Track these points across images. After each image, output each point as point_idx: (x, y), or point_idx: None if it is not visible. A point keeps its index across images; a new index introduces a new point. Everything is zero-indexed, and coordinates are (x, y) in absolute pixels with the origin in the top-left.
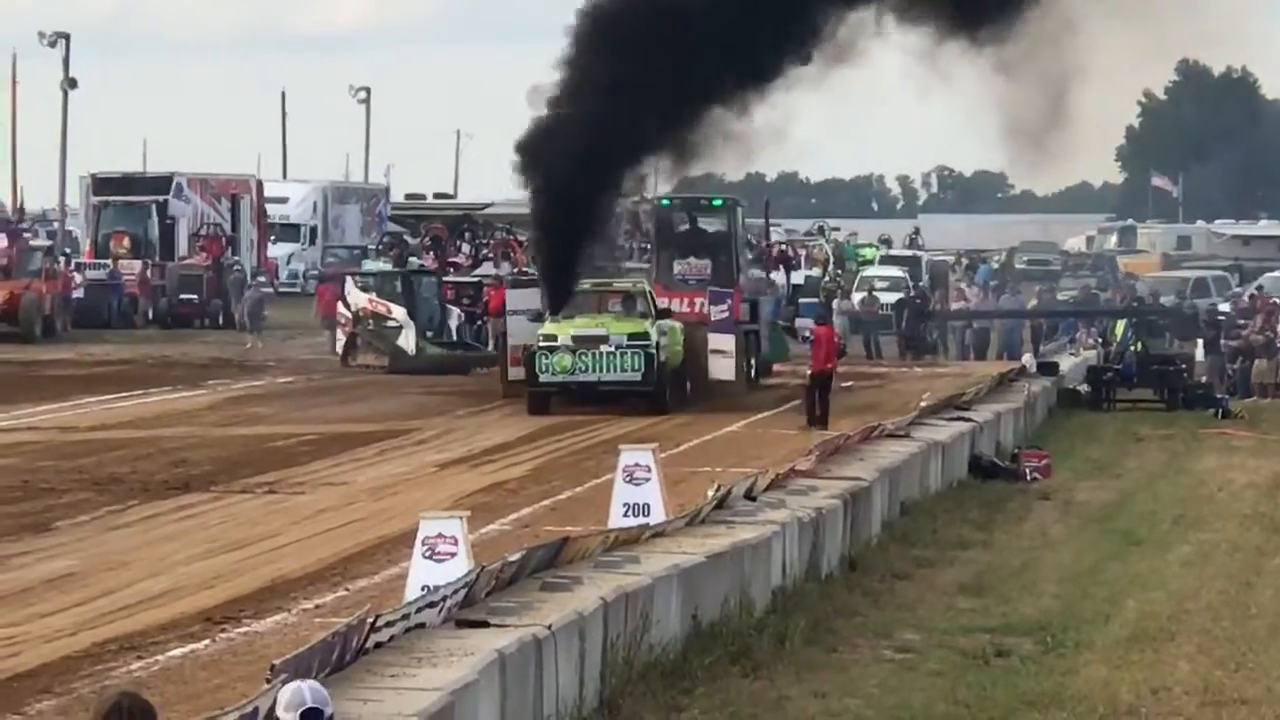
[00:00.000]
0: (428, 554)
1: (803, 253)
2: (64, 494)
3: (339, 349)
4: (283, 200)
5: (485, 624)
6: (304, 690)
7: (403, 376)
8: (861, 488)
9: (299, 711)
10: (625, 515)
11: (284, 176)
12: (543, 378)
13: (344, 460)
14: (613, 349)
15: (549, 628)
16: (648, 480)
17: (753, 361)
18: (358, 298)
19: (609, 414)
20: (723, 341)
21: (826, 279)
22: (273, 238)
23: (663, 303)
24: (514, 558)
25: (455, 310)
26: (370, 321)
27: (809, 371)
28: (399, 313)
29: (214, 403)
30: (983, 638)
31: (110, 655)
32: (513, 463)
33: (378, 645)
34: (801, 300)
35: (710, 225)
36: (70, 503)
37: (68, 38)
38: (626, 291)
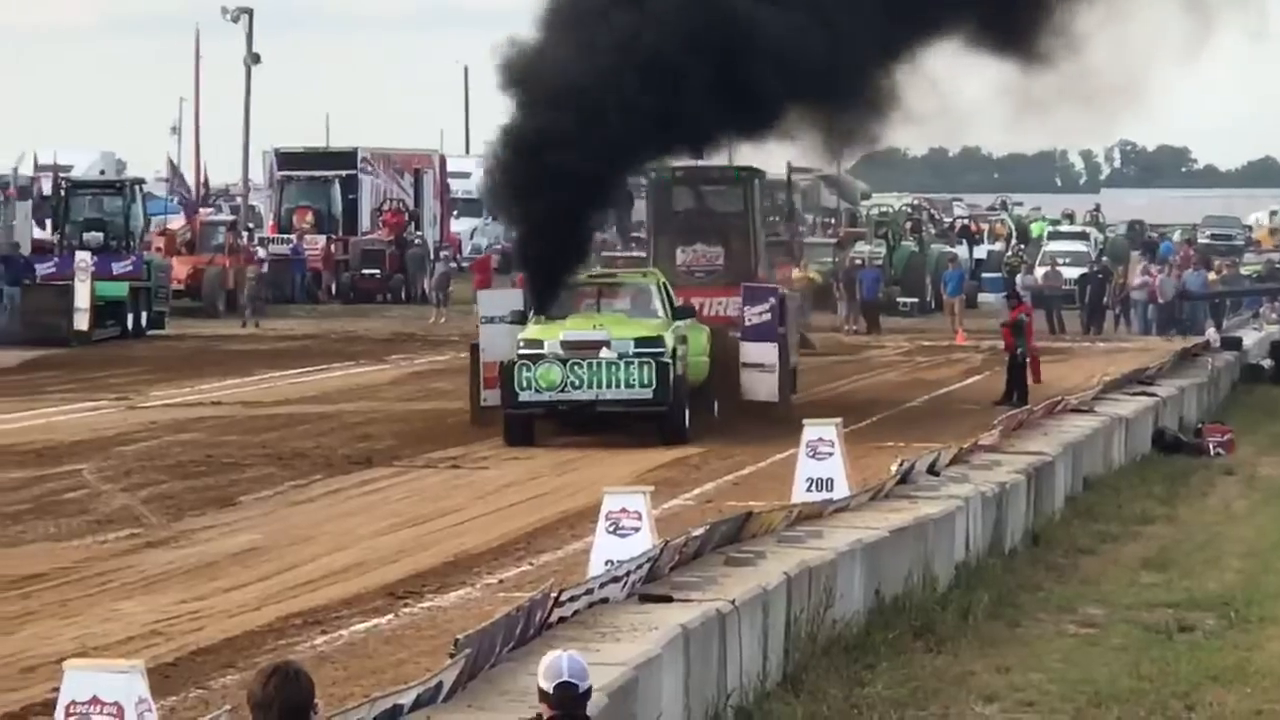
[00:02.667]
0: (611, 529)
1: (985, 228)
2: (248, 468)
3: None
4: (465, 175)
5: (669, 599)
6: (562, 661)
7: None
8: (1045, 462)
9: (554, 683)
10: (809, 490)
11: (467, 151)
12: (523, 395)
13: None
14: (615, 357)
15: (733, 602)
16: (831, 455)
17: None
18: None
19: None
20: (761, 352)
21: (1009, 254)
22: (455, 213)
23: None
24: (697, 533)
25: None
26: None
27: (1017, 350)
28: None
29: (397, 377)
30: (1166, 612)
31: (293, 629)
32: (696, 436)
33: (561, 620)
34: (984, 275)
35: (722, 203)
36: (254, 477)
37: (251, 13)
38: (635, 284)
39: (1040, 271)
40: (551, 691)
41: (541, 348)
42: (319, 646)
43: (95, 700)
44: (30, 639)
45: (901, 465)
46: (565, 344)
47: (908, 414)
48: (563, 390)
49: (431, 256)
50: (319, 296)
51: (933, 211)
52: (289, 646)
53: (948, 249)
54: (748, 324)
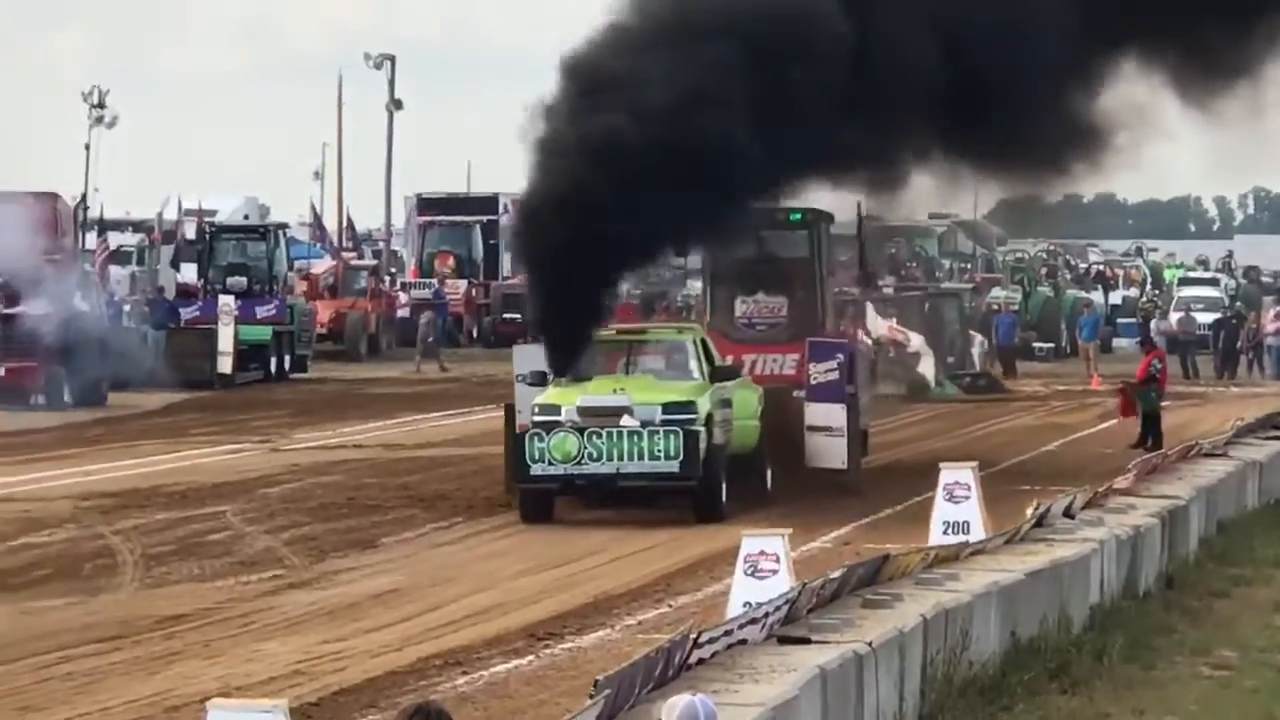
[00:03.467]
0: (749, 571)
1: (1120, 273)
2: (390, 510)
3: None
4: None
5: (807, 640)
6: (697, 704)
7: None
8: (1179, 506)
9: None
10: (945, 533)
11: None
12: (535, 468)
13: None
14: (638, 426)
15: (870, 644)
16: (967, 498)
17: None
18: (877, 324)
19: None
20: (828, 414)
21: (1144, 299)
22: None
23: (736, 358)
24: (835, 575)
25: (978, 337)
26: (890, 349)
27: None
28: (917, 340)
29: None
30: None
31: (435, 670)
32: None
33: (700, 661)
34: (1119, 320)
35: (785, 249)
36: (396, 519)
37: (393, 59)
38: (669, 341)
39: (1175, 317)
40: None
41: (558, 414)
42: (460, 687)
43: None
44: (175, 679)
45: (1037, 508)
46: (582, 410)
47: (1043, 458)
48: (579, 463)
49: None
50: (460, 341)
51: (1068, 257)
52: (430, 686)
53: (1083, 294)
54: (813, 383)
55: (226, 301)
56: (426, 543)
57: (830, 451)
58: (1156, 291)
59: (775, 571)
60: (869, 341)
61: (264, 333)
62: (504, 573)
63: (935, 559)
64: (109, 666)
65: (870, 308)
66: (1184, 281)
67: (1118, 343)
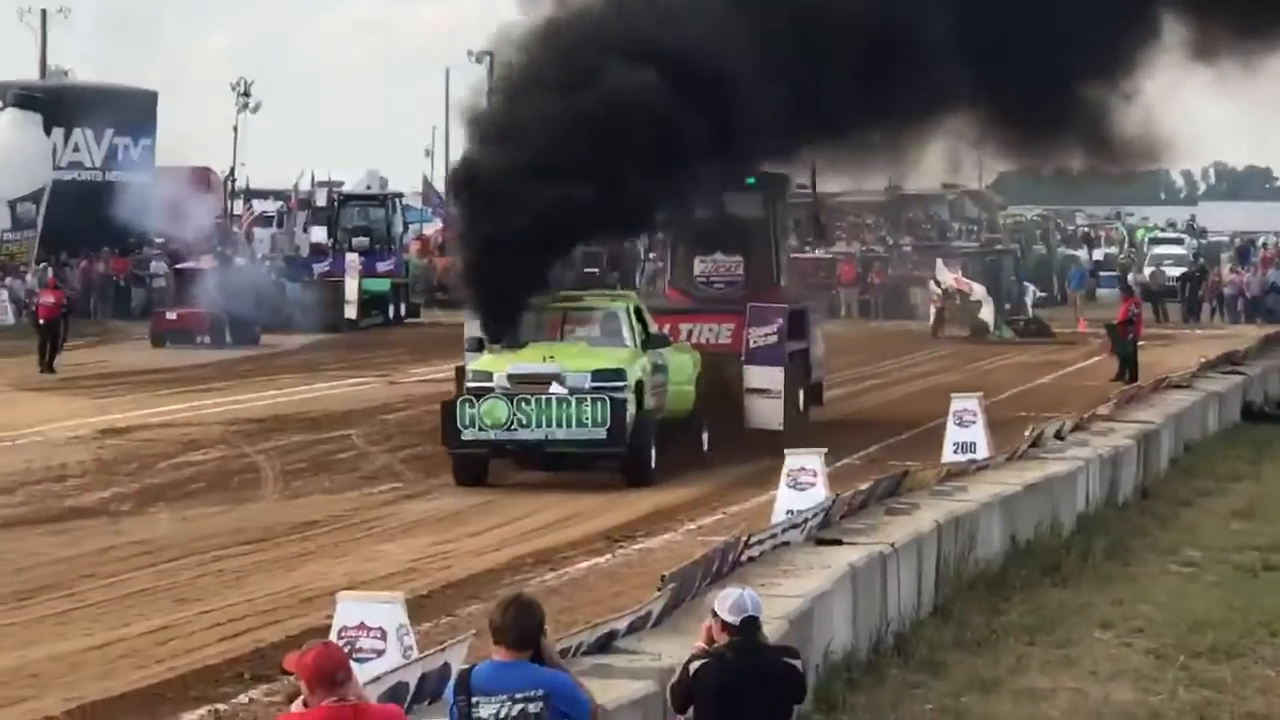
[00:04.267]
0: (792, 483)
1: (1102, 234)
2: None
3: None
4: None
5: (839, 542)
6: (745, 598)
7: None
8: (1152, 430)
9: (740, 617)
10: (955, 452)
11: None
12: (466, 434)
13: None
14: (565, 393)
15: (892, 545)
16: (974, 423)
17: (800, 394)
18: (945, 276)
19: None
20: (766, 377)
21: (1122, 256)
22: None
23: (674, 327)
24: (864, 487)
25: (1030, 287)
26: (956, 297)
27: (1128, 336)
28: (979, 290)
29: None
30: (1253, 554)
31: (527, 567)
32: (860, 405)
33: (750, 559)
34: (1101, 274)
35: (742, 210)
36: None
37: (491, 55)
38: (603, 309)
39: (1148, 271)
40: (738, 624)
41: (491, 381)
42: (548, 581)
43: (363, 626)
44: (308, 575)
45: (1033, 432)
46: (512, 377)
47: (1038, 389)
48: (509, 429)
49: None
50: None
51: (1058, 221)
52: (523, 581)
53: (1071, 252)
54: (752, 346)
55: (352, 259)
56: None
57: (767, 413)
58: (1132, 249)
59: (813, 484)
60: (938, 290)
61: (384, 284)
62: (582, 487)
63: (947, 474)
64: (253, 565)
65: (940, 262)
66: (1155, 241)
67: (1101, 292)
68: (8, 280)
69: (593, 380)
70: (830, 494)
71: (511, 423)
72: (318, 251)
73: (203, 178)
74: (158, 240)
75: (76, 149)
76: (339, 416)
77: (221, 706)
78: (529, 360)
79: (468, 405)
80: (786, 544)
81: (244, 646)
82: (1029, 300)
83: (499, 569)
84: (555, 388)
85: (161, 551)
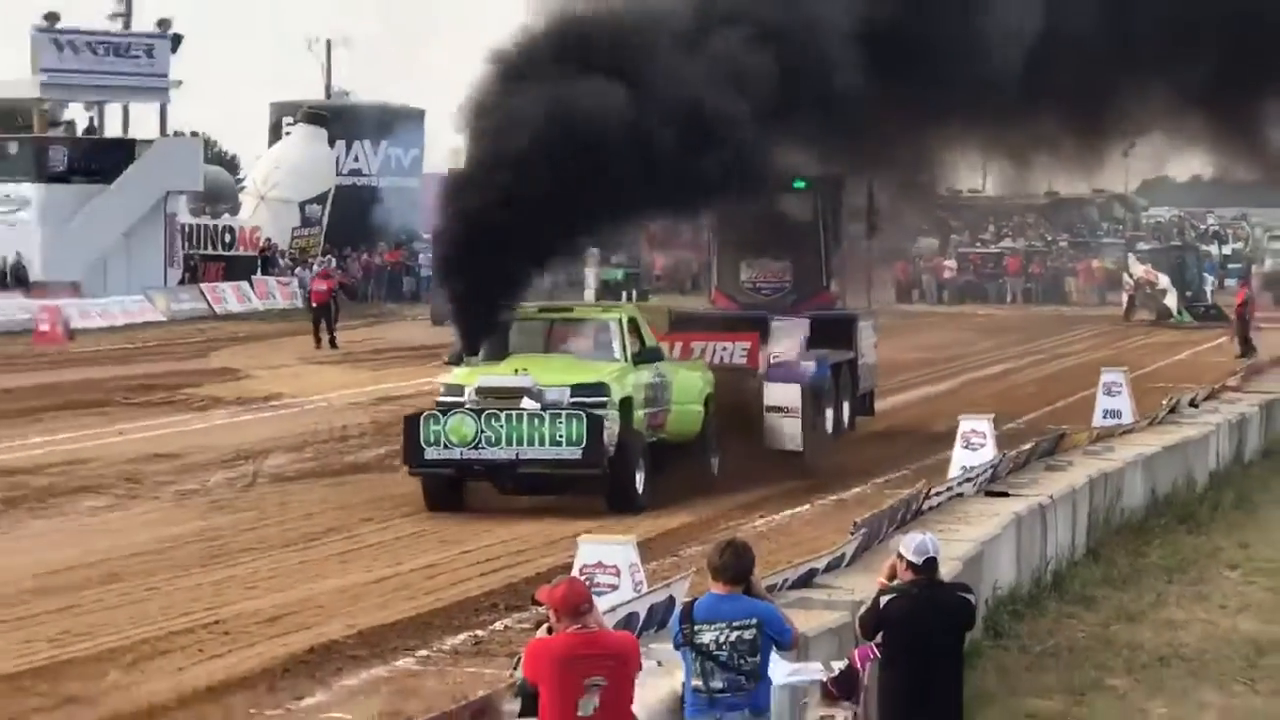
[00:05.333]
0: (965, 444)
1: (1229, 232)
2: None
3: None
4: None
5: (1006, 494)
6: (927, 542)
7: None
8: (1274, 399)
9: (923, 558)
10: (1104, 418)
11: None
12: (430, 452)
13: (920, 373)
14: (538, 408)
15: (1051, 497)
16: (1121, 393)
17: (845, 406)
18: (1136, 268)
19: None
20: (783, 394)
21: (1247, 250)
22: None
23: (685, 345)
24: (1026, 447)
25: (1210, 278)
26: (1146, 287)
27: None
28: (1164, 280)
29: None
30: None
31: (739, 514)
32: (1027, 378)
33: (930, 509)
34: (1230, 265)
35: (791, 213)
36: None
37: None
38: (593, 320)
39: (1269, 263)
40: (921, 564)
41: (462, 395)
42: (758, 526)
43: (600, 564)
44: (553, 521)
45: (1170, 401)
46: (481, 391)
47: (1175, 365)
48: (476, 447)
49: None
50: None
51: (1192, 221)
52: (737, 526)
53: (1204, 247)
54: (771, 362)
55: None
56: None
57: (785, 433)
58: (1255, 245)
59: (984, 445)
60: (1130, 280)
61: (615, 273)
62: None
63: (1097, 437)
64: (506, 512)
65: (1131, 256)
66: (1274, 238)
67: (1229, 283)
68: (298, 270)
69: (572, 395)
70: (998, 453)
71: (479, 440)
72: None
73: None
74: (425, 236)
75: (356, 159)
76: None
77: (480, 633)
78: (499, 373)
79: (432, 421)
80: (960, 496)
81: (499, 581)
82: (1208, 289)
83: (715, 515)
84: (526, 402)
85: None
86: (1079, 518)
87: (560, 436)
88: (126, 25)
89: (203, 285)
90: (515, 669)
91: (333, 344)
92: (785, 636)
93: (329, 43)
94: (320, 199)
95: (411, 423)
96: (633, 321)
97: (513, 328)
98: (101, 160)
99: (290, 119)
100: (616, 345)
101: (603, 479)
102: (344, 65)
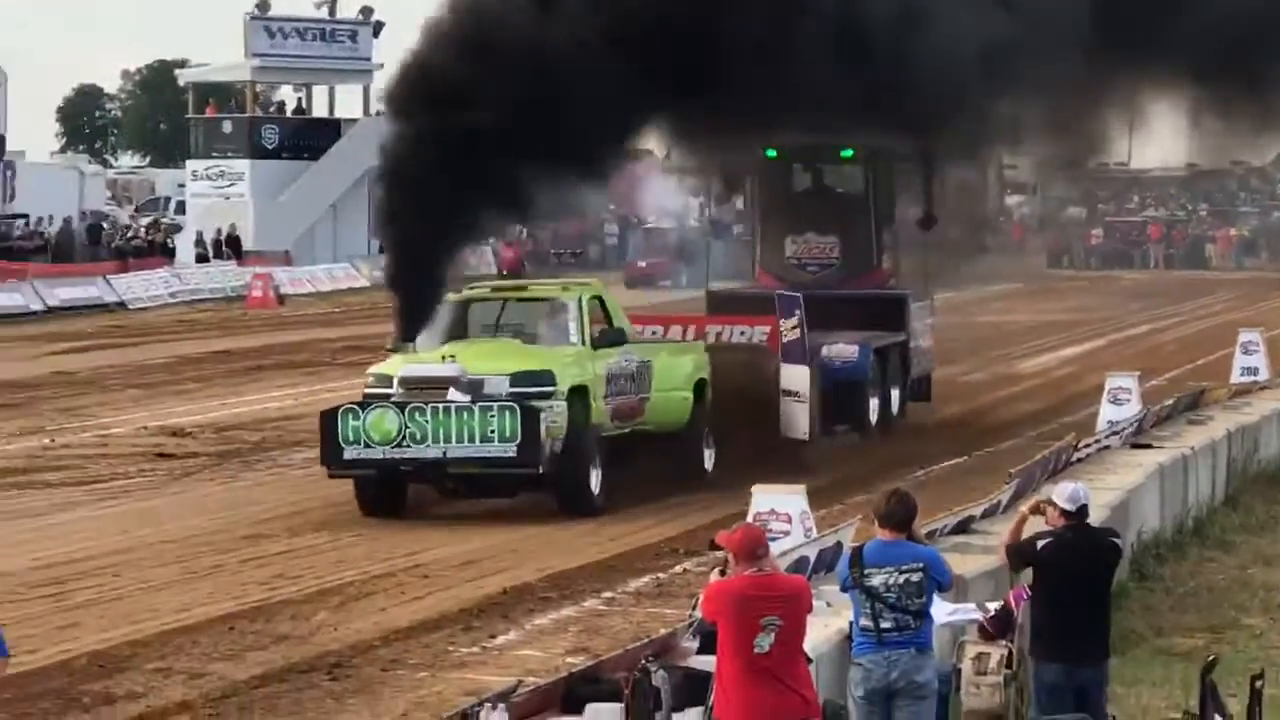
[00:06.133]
0: (1112, 399)
1: None
2: None
3: None
4: None
5: (1150, 446)
6: (1079, 491)
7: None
8: None
9: (1077, 505)
10: (1242, 375)
11: None
12: (349, 451)
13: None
14: (466, 401)
15: (1192, 448)
16: (1257, 351)
17: (894, 393)
18: None
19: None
20: (794, 377)
21: None
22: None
23: (699, 328)
24: (1169, 402)
25: None
26: None
27: None
28: None
29: None
30: None
31: (902, 467)
32: (1169, 338)
33: (1079, 460)
34: None
35: (839, 185)
36: None
37: None
38: (548, 300)
39: None
40: (1074, 511)
41: (391, 386)
42: (920, 478)
43: (773, 511)
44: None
45: None
46: (404, 382)
47: None
48: (400, 445)
49: None
50: None
51: None
52: (899, 477)
53: None
54: (784, 340)
55: None
56: None
57: (794, 419)
58: None
59: (1129, 400)
60: None
61: None
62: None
63: (1235, 392)
64: None
65: None
66: None
67: None
68: (490, 239)
69: (511, 385)
70: (1143, 408)
71: (403, 437)
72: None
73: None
74: (610, 207)
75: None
76: None
77: (661, 576)
78: (425, 361)
79: (351, 416)
80: (1108, 448)
81: (677, 528)
82: None
83: (879, 467)
84: (454, 394)
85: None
86: (1218, 468)
87: (492, 432)
88: (332, 13)
89: None
90: (694, 609)
91: None
92: (945, 579)
93: None
94: None
95: (328, 419)
96: (597, 301)
97: (465, 310)
98: (309, 138)
99: None
100: (574, 327)
101: (543, 479)
102: None
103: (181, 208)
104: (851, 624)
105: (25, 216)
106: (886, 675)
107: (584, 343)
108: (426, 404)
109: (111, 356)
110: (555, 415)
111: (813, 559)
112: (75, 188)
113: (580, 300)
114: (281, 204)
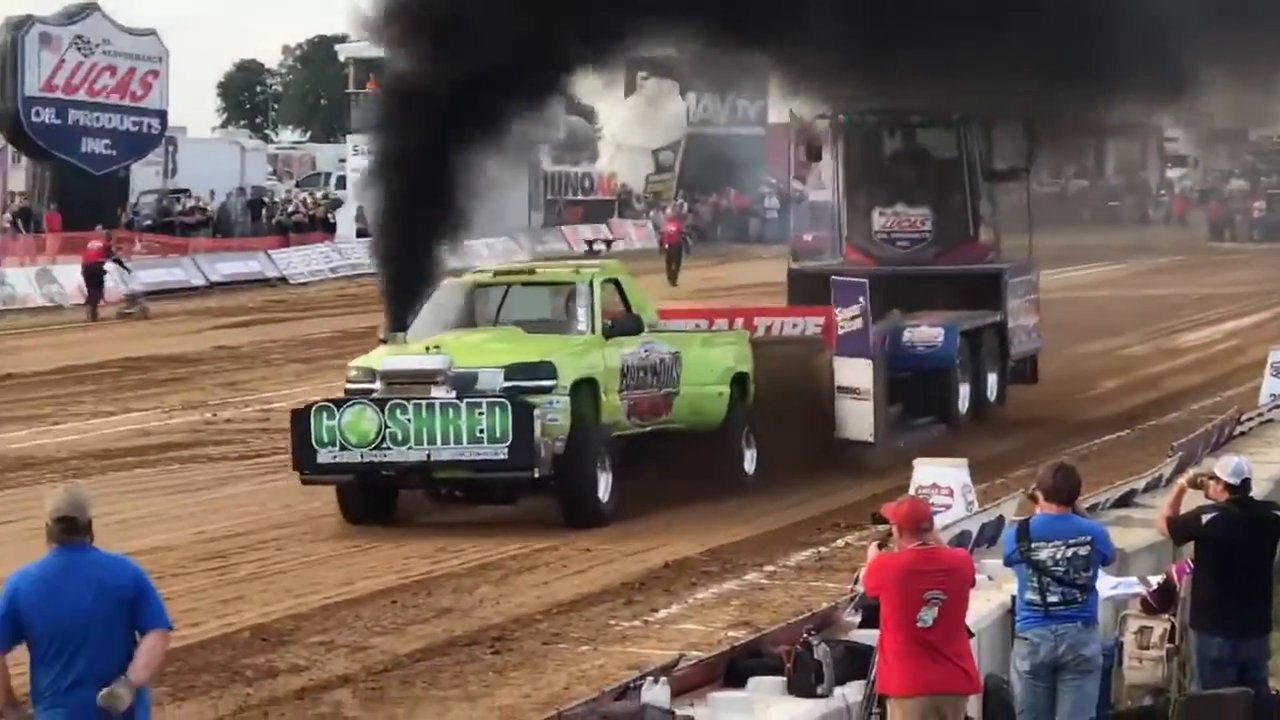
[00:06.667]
0: (1275, 373)
1: None
2: None
3: None
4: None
5: None
6: (1243, 464)
7: None
8: None
9: (1240, 479)
10: None
11: None
12: (324, 454)
13: (1216, 313)
14: (453, 397)
15: None
16: None
17: (991, 377)
18: None
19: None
20: (854, 372)
21: None
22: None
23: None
24: None
25: None
26: None
27: None
28: None
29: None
30: None
31: (1065, 439)
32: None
33: (1241, 434)
34: None
35: (931, 152)
36: None
37: None
38: (558, 284)
39: None
40: (1237, 484)
41: (374, 381)
42: (1081, 451)
43: (935, 485)
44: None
45: None
46: (384, 376)
47: None
48: (380, 446)
49: None
50: None
51: None
52: (1063, 450)
53: None
54: (840, 333)
55: None
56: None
57: (855, 419)
58: None
59: None
60: None
61: None
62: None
63: None
64: None
65: None
66: None
67: None
68: (651, 213)
69: (506, 379)
70: None
71: (383, 438)
72: None
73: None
74: (770, 180)
75: (705, 109)
76: None
77: (822, 549)
78: (408, 353)
79: (325, 415)
80: (1270, 421)
81: (839, 502)
82: None
83: (1040, 441)
84: (437, 390)
85: None
86: None
87: (481, 432)
88: None
89: (563, 228)
90: (856, 583)
91: (674, 281)
92: (1110, 553)
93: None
94: (672, 147)
95: (300, 418)
96: (613, 285)
97: (464, 296)
98: None
99: (644, 73)
100: (584, 314)
101: (535, 484)
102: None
103: (342, 182)
104: (1015, 598)
105: (187, 191)
106: (1054, 649)
107: (594, 330)
108: (409, 401)
109: (273, 331)
110: (556, 412)
111: (975, 533)
112: (236, 163)
113: (592, 284)
114: None
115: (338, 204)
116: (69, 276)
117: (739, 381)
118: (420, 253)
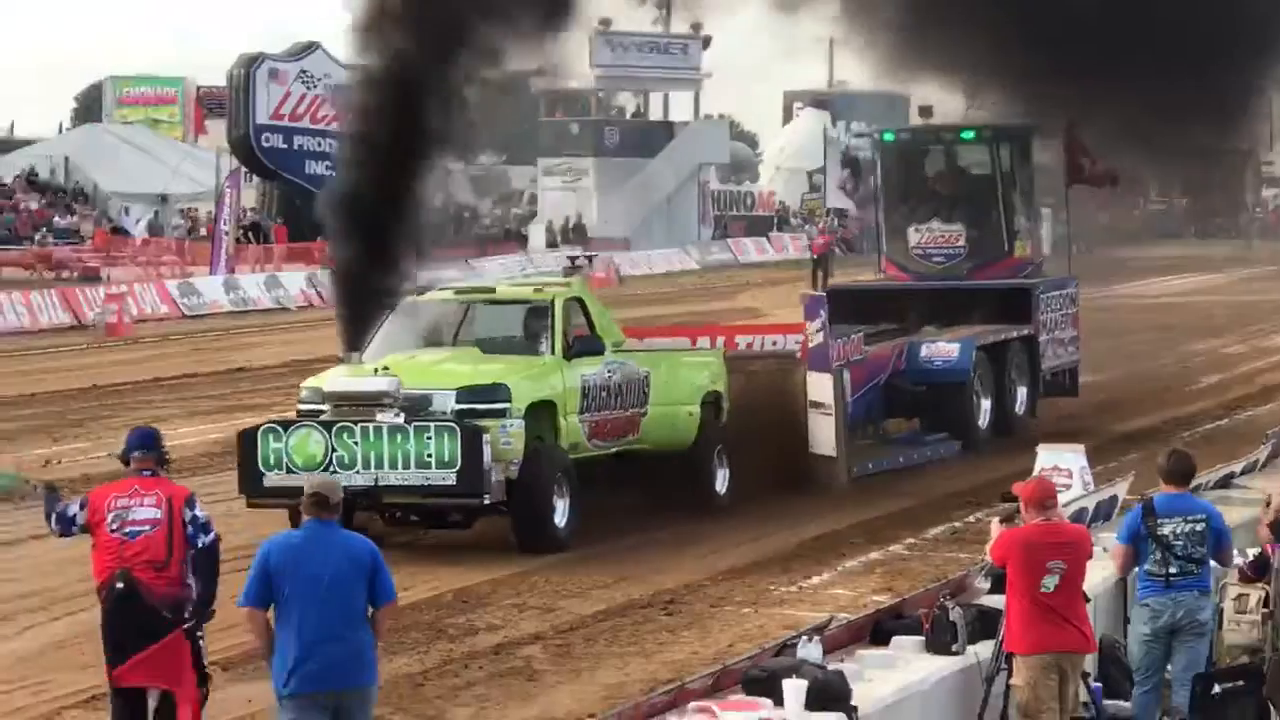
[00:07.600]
0: None
1: None
2: None
3: None
4: None
5: None
6: None
7: None
8: None
9: None
10: None
11: None
12: (270, 477)
13: None
14: (399, 421)
15: None
16: None
17: (1020, 391)
18: None
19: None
20: (819, 386)
21: None
22: None
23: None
24: None
25: None
26: None
27: None
28: None
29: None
30: None
31: (1164, 430)
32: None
33: None
34: None
35: (966, 169)
36: None
37: None
38: (521, 303)
39: None
40: None
41: (321, 403)
42: (1185, 437)
43: (1056, 468)
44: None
45: None
46: (331, 398)
47: None
48: (327, 470)
49: None
50: None
51: None
52: (1167, 438)
53: None
54: (810, 345)
55: None
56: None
57: (820, 434)
58: None
59: None
60: None
61: None
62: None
63: None
64: None
65: None
66: None
67: None
68: (806, 227)
69: (457, 402)
70: None
71: (330, 462)
72: None
73: None
74: None
75: (856, 136)
76: None
77: (957, 524)
78: (357, 374)
79: (272, 437)
80: None
81: (970, 481)
82: None
83: (1151, 431)
84: (383, 414)
85: None
86: None
87: (429, 456)
88: (666, 28)
89: (729, 240)
90: (985, 555)
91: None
92: (1224, 531)
93: (831, 40)
94: (823, 169)
95: (247, 440)
96: (576, 304)
97: (422, 315)
98: (646, 139)
99: (799, 104)
100: (544, 335)
101: (484, 510)
102: (845, 59)
103: (533, 199)
104: (1137, 570)
105: None
106: (1173, 615)
107: (554, 351)
108: (356, 424)
109: None
110: (509, 436)
111: (1091, 510)
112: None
113: (554, 304)
114: (621, 196)
115: (529, 218)
116: (293, 282)
117: (711, 401)
118: (376, 269)
